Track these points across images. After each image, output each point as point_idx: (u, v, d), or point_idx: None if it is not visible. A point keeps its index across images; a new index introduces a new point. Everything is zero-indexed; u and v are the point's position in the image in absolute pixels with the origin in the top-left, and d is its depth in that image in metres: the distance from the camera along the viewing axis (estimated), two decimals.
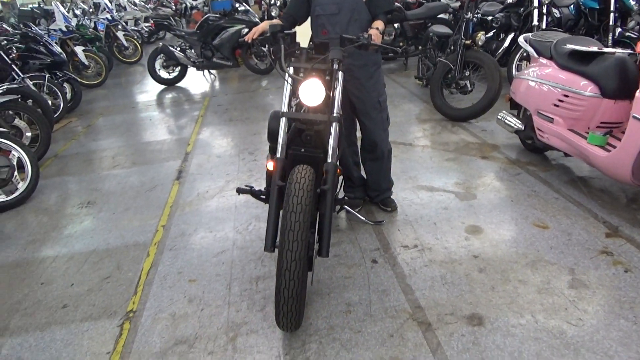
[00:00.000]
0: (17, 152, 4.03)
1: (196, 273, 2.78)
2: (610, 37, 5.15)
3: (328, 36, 2.75)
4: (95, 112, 7.04)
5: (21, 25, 7.88)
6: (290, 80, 2.33)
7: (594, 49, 3.22)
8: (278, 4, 10.28)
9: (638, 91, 2.65)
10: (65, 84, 6.75)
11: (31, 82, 5.95)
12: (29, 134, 4.89)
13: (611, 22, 5.16)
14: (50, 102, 5.92)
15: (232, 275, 2.72)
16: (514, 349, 2.03)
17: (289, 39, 2.43)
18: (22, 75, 5.90)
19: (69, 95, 6.84)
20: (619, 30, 5.15)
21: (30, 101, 5.21)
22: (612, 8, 5.14)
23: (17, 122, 4.79)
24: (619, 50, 3.16)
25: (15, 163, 4.01)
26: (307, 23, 2.93)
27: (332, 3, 2.71)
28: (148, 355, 2.20)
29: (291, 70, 2.35)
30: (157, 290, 2.66)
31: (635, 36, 4.94)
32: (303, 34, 2.61)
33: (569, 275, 2.46)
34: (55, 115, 6.03)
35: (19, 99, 4.83)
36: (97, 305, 2.59)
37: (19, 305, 2.66)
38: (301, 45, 2.47)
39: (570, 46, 3.32)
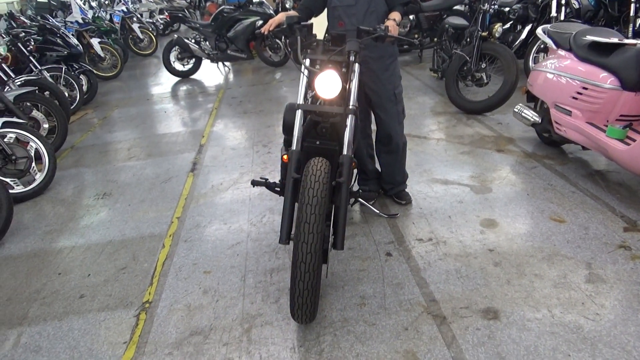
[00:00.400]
0: (35, 144, 4.09)
1: (211, 265, 2.80)
2: (630, 28, 5.04)
3: (344, 28, 2.73)
4: (110, 104, 7.11)
5: (38, 17, 7.96)
6: (306, 72, 2.32)
7: (615, 40, 3.15)
8: None
9: None
10: (81, 76, 6.82)
11: (48, 74, 6.03)
12: (46, 126, 4.95)
13: (632, 13, 5.05)
14: (67, 94, 5.99)
15: (247, 267, 2.74)
16: (530, 343, 2.02)
17: (306, 31, 2.41)
18: (39, 67, 5.98)
19: (85, 87, 6.91)
20: (639, 21, 5.04)
21: (47, 93, 5.28)
22: None
23: (35, 113, 4.85)
24: None
25: (33, 154, 4.07)
26: (323, 14, 2.91)
27: None
28: (164, 345, 2.22)
29: (307, 62, 2.34)
30: (173, 282, 2.68)
31: None
32: (319, 25, 2.60)
33: (586, 270, 2.43)
34: (71, 107, 6.11)
35: (37, 91, 4.89)
36: (113, 296, 2.63)
37: (37, 294, 2.71)
38: (317, 37, 2.46)
39: (590, 37, 3.26)
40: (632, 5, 5.03)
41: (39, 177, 4.05)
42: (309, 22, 2.54)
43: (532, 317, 2.16)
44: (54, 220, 3.58)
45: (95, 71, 7.78)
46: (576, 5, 5.78)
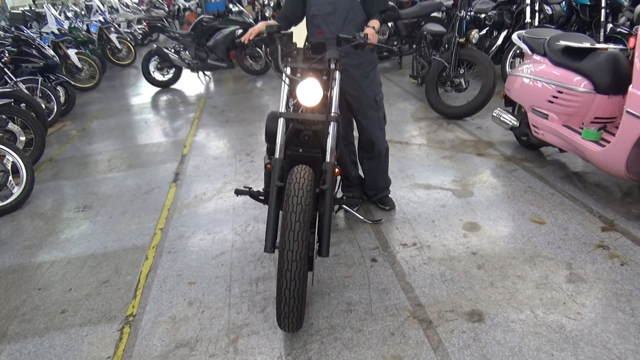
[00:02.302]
0: (12, 157, 4.00)
1: (195, 275, 2.78)
2: (601, 33, 5.19)
3: (324, 36, 2.75)
4: (89, 115, 7.01)
5: (13, 29, 7.82)
6: (287, 80, 2.34)
7: (587, 45, 3.24)
8: (272, 4, 10.28)
9: (631, 86, 2.68)
10: (58, 87, 6.72)
11: (24, 86, 5.92)
12: (23, 138, 4.85)
13: (602, 18, 5.21)
14: (43, 106, 5.89)
15: (232, 276, 2.72)
16: (514, 344, 2.04)
17: (286, 40, 2.43)
18: (14, 79, 5.86)
19: (62, 99, 6.80)
20: (610, 26, 5.19)
21: (23, 105, 5.18)
22: (603, 4, 5.19)
23: (11, 126, 4.75)
24: (611, 45, 3.18)
25: (9, 168, 3.98)
26: (303, 23, 2.93)
27: (328, 3, 2.71)
28: (149, 359, 2.19)
29: (288, 70, 2.35)
30: (157, 294, 2.65)
31: (626, 32, 4.98)
32: (299, 34, 2.62)
33: (567, 270, 2.48)
34: (49, 119, 6.01)
35: (12, 103, 4.80)
36: (96, 310, 2.58)
37: (16, 311, 2.65)
38: (297, 46, 2.47)
39: (563, 43, 3.34)
40: (603, 11, 5.18)
41: (17, 191, 3.96)
42: (289, 30, 2.55)
43: (516, 318, 2.19)
44: (32, 234, 3.50)
45: (72, 82, 7.66)
46: (549, 12, 5.93)
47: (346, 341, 2.15)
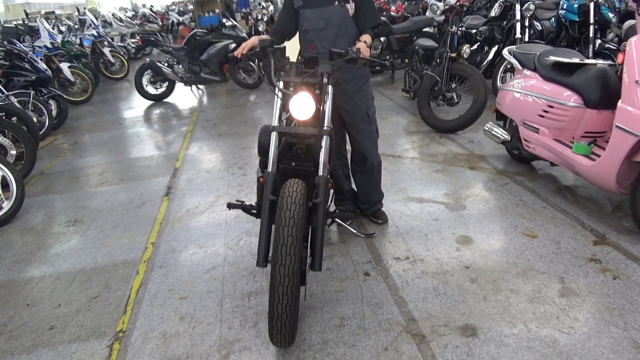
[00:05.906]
0: (2, 170, 3.96)
1: (187, 290, 2.75)
2: (590, 49, 5.27)
3: (316, 51, 2.77)
4: (81, 128, 6.99)
5: (5, 42, 7.81)
6: (280, 94, 2.34)
7: (576, 60, 3.29)
8: (265, 19, 10.38)
9: (620, 101, 2.71)
10: (50, 101, 6.70)
11: (16, 100, 5.90)
12: (13, 152, 4.82)
13: (591, 34, 5.29)
14: (35, 119, 5.87)
15: (224, 291, 2.69)
16: (508, 359, 2.03)
17: (279, 54, 2.44)
18: (6, 93, 5.84)
19: (54, 112, 6.79)
20: (598, 42, 5.28)
21: (14, 118, 5.16)
22: (591, 20, 5.27)
23: (2, 139, 4.73)
24: (600, 61, 3.23)
25: None
26: (296, 38, 2.95)
27: (320, 18, 2.74)
28: None
29: (281, 84, 2.36)
30: (147, 309, 2.61)
31: (614, 47, 5.07)
32: (292, 48, 2.63)
33: (559, 284, 2.48)
34: (40, 133, 5.98)
35: (4, 116, 4.78)
36: (85, 326, 2.54)
37: (4, 327, 2.60)
38: (290, 60, 2.49)
39: (553, 58, 3.39)
40: (591, 27, 5.27)
41: (6, 205, 3.92)
42: (282, 45, 2.57)
43: (509, 332, 2.18)
44: (22, 249, 3.46)
45: (65, 96, 7.65)
46: (539, 27, 6.03)
47: (339, 356, 2.13)
